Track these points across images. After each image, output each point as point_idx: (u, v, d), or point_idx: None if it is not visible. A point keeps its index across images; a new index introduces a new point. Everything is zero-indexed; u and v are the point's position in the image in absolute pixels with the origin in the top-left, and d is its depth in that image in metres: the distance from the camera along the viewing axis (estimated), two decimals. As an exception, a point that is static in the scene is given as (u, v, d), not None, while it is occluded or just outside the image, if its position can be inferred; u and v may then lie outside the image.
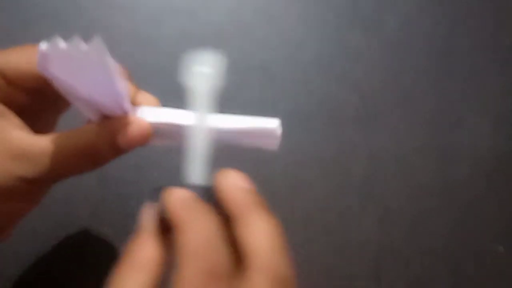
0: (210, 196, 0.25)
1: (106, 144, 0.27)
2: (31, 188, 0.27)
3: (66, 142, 0.27)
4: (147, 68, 0.48)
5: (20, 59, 0.28)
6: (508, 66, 0.55)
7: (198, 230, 0.22)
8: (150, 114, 0.28)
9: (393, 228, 0.50)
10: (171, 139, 0.30)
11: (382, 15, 0.54)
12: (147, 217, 0.26)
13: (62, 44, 0.23)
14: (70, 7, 0.50)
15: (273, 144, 0.29)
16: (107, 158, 0.28)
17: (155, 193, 0.25)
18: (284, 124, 0.52)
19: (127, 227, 0.47)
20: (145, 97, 0.30)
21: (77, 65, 0.23)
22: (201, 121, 0.26)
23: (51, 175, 0.27)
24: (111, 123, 0.27)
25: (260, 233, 0.23)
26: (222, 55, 0.26)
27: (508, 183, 0.52)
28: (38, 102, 0.30)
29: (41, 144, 0.27)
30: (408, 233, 0.50)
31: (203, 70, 0.27)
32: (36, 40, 0.50)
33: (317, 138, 0.51)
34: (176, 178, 0.49)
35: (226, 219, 0.24)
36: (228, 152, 0.50)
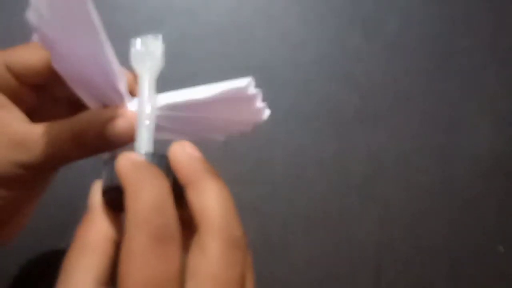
0: (163, 166, 0.25)
1: (95, 133, 0.27)
2: (29, 175, 0.27)
3: (61, 128, 0.27)
4: (147, 68, 0.48)
5: (27, 55, 0.28)
6: (508, 66, 0.55)
7: (147, 193, 0.22)
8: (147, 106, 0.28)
9: (393, 228, 0.50)
10: (169, 133, 0.30)
11: (382, 15, 0.54)
12: (97, 193, 0.25)
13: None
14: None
15: (257, 112, 0.29)
16: (99, 147, 0.27)
17: (107, 166, 0.25)
18: (284, 124, 0.52)
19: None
20: None
21: (63, 18, 0.24)
22: (144, 99, 0.27)
23: (47, 161, 0.27)
24: (102, 112, 0.27)
25: (211, 197, 0.23)
26: (161, 38, 0.29)
27: (508, 183, 0.52)
28: (48, 103, 0.30)
29: (37, 130, 0.27)
30: (408, 232, 0.50)
31: (144, 52, 0.29)
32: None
33: (317, 138, 0.51)
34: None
35: (180, 189, 0.24)
36: (228, 152, 0.50)
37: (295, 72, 0.52)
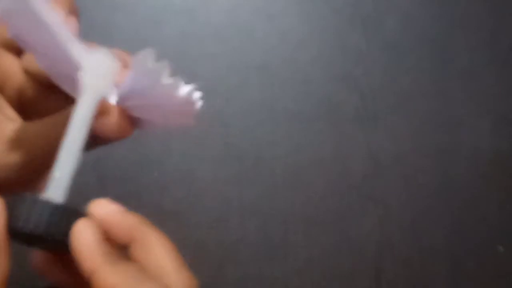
0: (73, 218, 0.23)
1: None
2: (27, 175, 0.27)
3: (52, 124, 0.27)
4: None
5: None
6: (508, 66, 0.55)
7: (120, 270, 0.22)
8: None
9: (393, 227, 0.50)
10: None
11: (382, 15, 0.54)
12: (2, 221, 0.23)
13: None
14: (70, 7, 0.50)
15: (169, 87, 0.25)
16: (90, 143, 0.27)
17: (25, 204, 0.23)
18: (284, 124, 0.52)
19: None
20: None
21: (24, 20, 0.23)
22: (73, 134, 0.24)
23: (42, 160, 0.27)
24: None
25: (162, 255, 0.23)
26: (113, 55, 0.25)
27: (508, 182, 0.52)
28: (46, 94, 0.29)
29: (31, 129, 0.27)
30: (408, 232, 0.50)
31: (95, 68, 0.25)
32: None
33: (317, 138, 0.51)
34: (177, 179, 0.49)
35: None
36: (228, 152, 0.50)
37: (295, 72, 0.52)
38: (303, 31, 0.53)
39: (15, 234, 0.23)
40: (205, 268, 0.47)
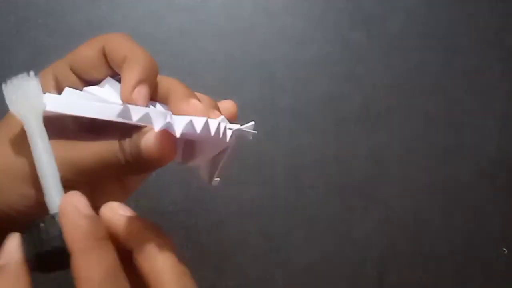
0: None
1: (132, 154, 0.26)
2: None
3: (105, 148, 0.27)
4: (146, 66, 0.48)
5: (85, 51, 0.29)
6: None
7: (98, 261, 0.22)
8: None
9: (395, 229, 0.50)
10: None
11: (384, 14, 0.54)
12: (15, 247, 0.23)
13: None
14: (69, 6, 0.50)
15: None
16: (138, 167, 0.27)
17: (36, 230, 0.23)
18: (284, 124, 0.52)
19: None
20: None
21: None
22: (39, 150, 0.24)
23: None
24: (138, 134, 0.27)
25: (161, 259, 0.22)
26: (34, 75, 0.25)
27: None
28: None
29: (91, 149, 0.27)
30: (410, 234, 0.50)
31: (20, 95, 0.25)
32: (34, 40, 0.49)
33: (318, 138, 0.51)
34: (177, 179, 0.48)
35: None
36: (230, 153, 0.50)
37: (296, 70, 0.52)
38: (304, 29, 0.53)
39: (39, 261, 0.24)
40: (205, 269, 0.47)
